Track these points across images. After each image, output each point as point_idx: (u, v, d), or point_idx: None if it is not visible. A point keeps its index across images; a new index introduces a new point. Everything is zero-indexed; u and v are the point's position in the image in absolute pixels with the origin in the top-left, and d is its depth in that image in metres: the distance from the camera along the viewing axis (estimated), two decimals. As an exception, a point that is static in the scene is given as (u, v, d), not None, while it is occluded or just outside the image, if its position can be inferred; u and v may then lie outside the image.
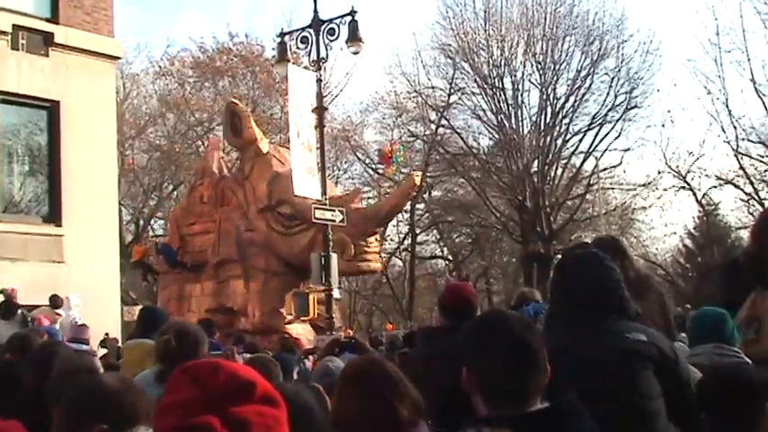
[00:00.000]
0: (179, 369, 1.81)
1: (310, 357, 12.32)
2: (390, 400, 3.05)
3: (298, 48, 19.91)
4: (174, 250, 21.96)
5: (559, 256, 5.77)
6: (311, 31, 18.61)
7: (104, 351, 14.08)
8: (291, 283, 20.71)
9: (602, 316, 3.74)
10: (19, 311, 13.48)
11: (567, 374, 3.57)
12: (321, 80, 19.30)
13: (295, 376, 10.28)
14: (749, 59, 31.99)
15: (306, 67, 20.17)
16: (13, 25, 16.52)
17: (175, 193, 42.32)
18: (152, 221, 43.43)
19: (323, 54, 18.69)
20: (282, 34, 19.68)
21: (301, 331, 19.84)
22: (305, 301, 18.64)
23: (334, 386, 5.15)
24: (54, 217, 16.99)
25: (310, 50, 18.79)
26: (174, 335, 4.83)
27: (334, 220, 17.83)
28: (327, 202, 18.06)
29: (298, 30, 19.53)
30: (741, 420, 3.43)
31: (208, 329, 11.42)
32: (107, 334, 15.12)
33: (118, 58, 19.53)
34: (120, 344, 14.06)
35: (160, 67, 41.36)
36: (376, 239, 21.43)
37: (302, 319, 19.25)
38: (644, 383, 3.62)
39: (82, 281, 16.04)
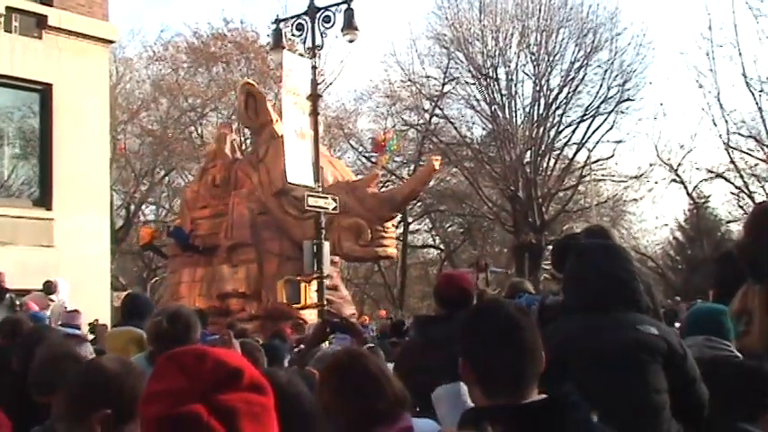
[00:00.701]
0: (164, 356, 1.79)
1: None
2: (368, 396, 3.04)
3: (293, 35, 19.83)
4: (185, 233, 21.59)
5: (554, 245, 5.70)
6: (307, 18, 18.55)
7: (92, 337, 14.04)
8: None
9: (614, 307, 3.76)
10: (7, 296, 13.43)
11: (579, 363, 3.59)
12: (316, 67, 19.25)
13: (286, 364, 10.27)
14: (741, 54, 32.07)
15: (301, 55, 20.12)
16: (7, 7, 16.43)
17: (167, 178, 42.28)
18: (143, 207, 43.37)
19: (318, 41, 18.63)
20: (278, 21, 19.61)
21: (315, 317, 19.72)
22: (296, 288, 18.57)
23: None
24: (45, 201, 16.92)
25: (305, 38, 18.73)
26: (166, 317, 4.80)
27: (327, 208, 17.80)
28: (321, 189, 18.01)
29: (293, 17, 19.45)
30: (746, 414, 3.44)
31: (200, 320, 11.42)
32: (96, 320, 15.09)
33: (112, 42, 19.43)
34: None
35: (154, 51, 41.32)
36: (393, 225, 21.18)
37: (295, 305, 19.08)
38: (652, 376, 3.65)
39: (72, 265, 15.99)
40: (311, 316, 18.97)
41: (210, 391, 1.69)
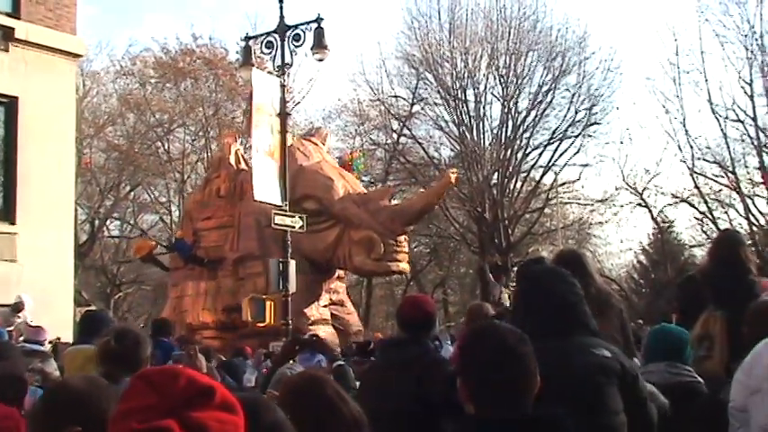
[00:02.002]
0: (136, 375, 1.80)
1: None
2: (325, 421, 3.05)
3: (262, 52, 19.76)
4: (188, 245, 21.02)
5: (517, 270, 5.69)
6: (276, 36, 18.53)
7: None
8: (316, 282, 20.01)
9: (567, 331, 3.79)
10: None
11: (544, 389, 3.61)
12: (285, 86, 19.24)
13: (253, 382, 10.21)
14: (707, 80, 32.62)
15: (270, 72, 20.07)
16: (-27, 20, 16.31)
17: (133, 193, 41.98)
18: (108, 222, 43.00)
19: (287, 60, 18.62)
20: (247, 38, 19.58)
21: (323, 334, 19.42)
22: (261, 306, 18.36)
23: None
24: (8, 215, 16.73)
25: (275, 55, 18.70)
26: (113, 336, 4.75)
27: (294, 227, 17.71)
28: (287, 207, 17.93)
29: (263, 34, 19.44)
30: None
31: (164, 329, 11.35)
32: (58, 338, 14.91)
33: (79, 55, 19.30)
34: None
35: (121, 66, 41.06)
36: (405, 239, 20.64)
37: (259, 323, 18.83)
38: (610, 398, 3.69)
39: (35, 280, 15.81)
40: (321, 332, 18.71)
41: (182, 407, 1.70)
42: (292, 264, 17.65)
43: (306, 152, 20.64)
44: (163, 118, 40.07)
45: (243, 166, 22.04)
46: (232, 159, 21.63)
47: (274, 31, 18.64)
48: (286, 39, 18.34)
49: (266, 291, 19.07)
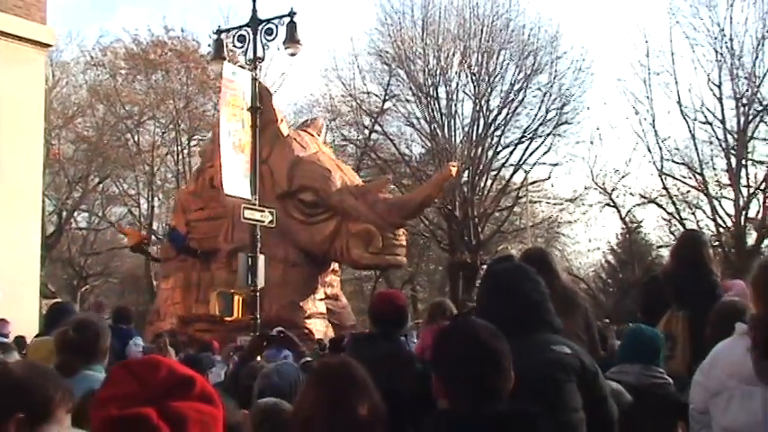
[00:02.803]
0: (118, 365, 1.83)
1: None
2: (353, 403, 3.07)
3: (234, 46, 19.65)
4: (182, 235, 20.54)
5: (486, 268, 5.67)
6: (249, 29, 18.45)
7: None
8: (312, 275, 19.72)
9: (529, 328, 3.81)
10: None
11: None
12: (256, 79, 19.16)
13: (221, 377, 10.16)
14: (677, 82, 32.92)
15: (242, 66, 19.97)
16: (-59, 7, 16.14)
17: (101, 186, 41.70)
18: (75, 214, 42.68)
19: (259, 54, 18.55)
20: (219, 31, 19.49)
21: (320, 327, 19.13)
22: (229, 300, 18.28)
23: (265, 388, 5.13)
24: (-26, 205, 16.58)
25: (247, 49, 18.63)
26: (72, 326, 4.70)
27: (264, 221, 17.64)
28: (257, 202, 17.86)
29: (235, 28, 19.34)
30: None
31: (125, 317, 11.28)
32: (23, 337, 14.75)
33: (49, 45, 19.10)
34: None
35: (92, 56, 40.76)
36: (403, 232, 20.36)
37: (226, 319, 18.71)
38: (569, 395, 3.70)
39: (1, 271, 15.68)
40: (317, 326, 18.49)
41: (162, 397, 1.72)
42: (261, 258, 17.58)
43: (302, 143, 20.26)
44: (133, 110, 39.84)
45: None
46: None
47: (247, 25, 18.56)
48: (258, 32, 18.27)
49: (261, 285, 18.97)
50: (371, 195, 19.32)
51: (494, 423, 2.72)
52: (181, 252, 20.60)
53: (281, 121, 20.22)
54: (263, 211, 17.63)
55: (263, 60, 19.28)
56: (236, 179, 17.86)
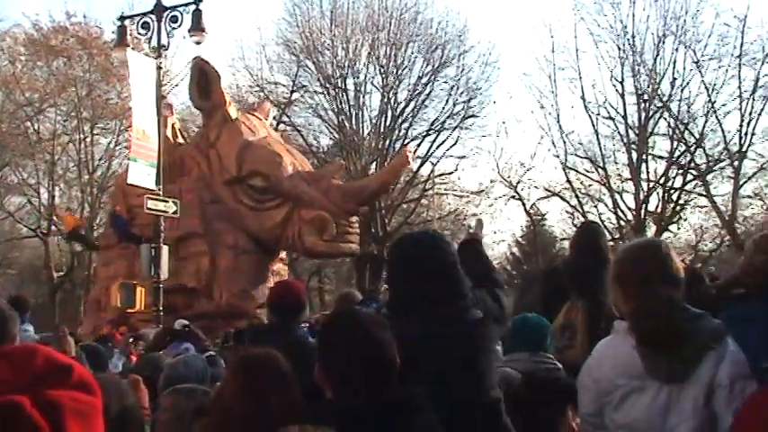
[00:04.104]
0: None
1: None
2: (273, 394, 3.05)
3: (138, 33, 19.35)
4: (126, 221, 19.52)
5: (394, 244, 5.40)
6: (153, 16, 18.19)
7: None
8: (263, 263, 19.20)
9: (447, 304, 3.78)
10: None
11: (420, 362, 3.68)
12: (161, 68, 18.88)
13: (119, 368, 10.02)
14: (581, 78, 33.56)
15: (146, 54, 19.66)
16: None
17: None
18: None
19: (164, 41, 18.30)
20: (123, 18, 19.17)
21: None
22: (131, 292, 17.93)
23: (155, 379, 5.08)
24: None
25: (151, 37, 18.37)
26: None
27: (167, 212, 17.40)
28: (161, 192, 17.59)
29: (139, 14, 19.05)
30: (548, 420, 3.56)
31: (21, 305, 11.00)
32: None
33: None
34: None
35: (-11, 42, 39.61)
36: (357, 220, 19.77)
37: (129, 310, 18.25)
38: (487, 371, 3.75)
39: None
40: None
41: (37, 385, 1.67)
42: (165, 249, 17.35)
43: (252, 127, 19.61)
44: (33, 97, 38.81)
45: (180, 140, 21.02)
46: (169, 133, 20.26)
47: (151, 12, 18.30)
48: (163, 20, 18.03)
49: (211, 271, 18.50)
50: (325, 181, 18.86)
51: (377, 413, 2.71)
52: (124, 239, 19.75)
53: (230, 104, 19.62)
54: (167, 202, 17.40)
55: (167, 48, 19.02)
56: (141, 168, 17.57)
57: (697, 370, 3.23)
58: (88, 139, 39.22)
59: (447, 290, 3.76)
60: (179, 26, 18.07)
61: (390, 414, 2.74)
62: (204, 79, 19.33)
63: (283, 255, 20.71)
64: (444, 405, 3.46)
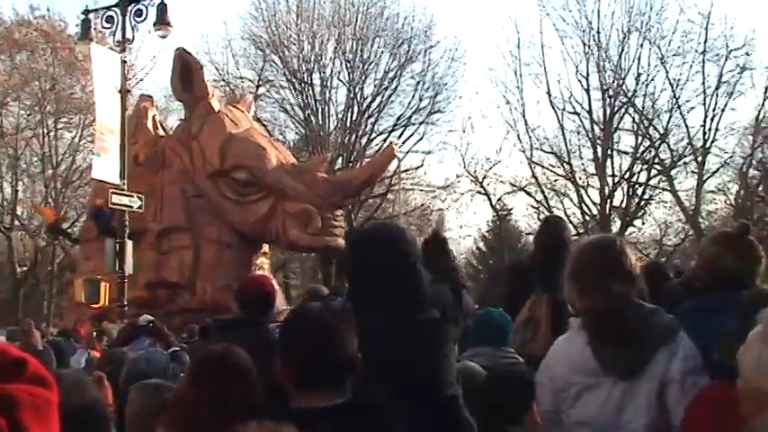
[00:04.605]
0: None
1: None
2: (231, 393, 3.06)
3: (103, 27, 19.20)
4: (108, 214, 18.66)
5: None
6: (117, 10, 18.06)
7: None
8: (246, 257, 18.93)
9: (398, 298, 3.80)
10: None
11: (379, 358, 3.70)
12: (126, 62, 18.75)
13: (83, 364, 9.96)
14: (546, 73, 33.73)
15: (110, 48, 19.50)
16: None
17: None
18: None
19: (129, 35, 18.18)
20: (87, 11, 18.99)
21: None
22: (96, 287, 17.74)
23: (118, 374, 5.06)
24: None
25: (115, 31, 18.24)
26: None
27: (132, 206, 17.29)
28: (125, 186, 17.47)
29: (104, 8, 18.88)
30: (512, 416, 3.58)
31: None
32: None
33: None
34: None
35: (-51, 34, 39.08)
36: (342, 213, 19.56)
37: (93, 305, 18.03)
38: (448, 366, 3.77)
39: None
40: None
41: None
42: (129, 244, 17.24)
43: (234, 119, 19.29)
44: (-5, 91, 38.39)
45: (161, 132, 20.65)
46: (149, 125, 20.05)
47: (116, 5, 18.17)
48: (128, 14, 17.92)
49: (194, 265, 18.22)
50: (309, 175, 18.57)
51: (336, 415, 2.70)
52: (105, 233, 18.95)
53: (212, 95, 19.34)
54: (132, 197, 17.29)
55: (132, 42, 18.89)
56: (105, 162, 17.46)
57: (650, 366, 3.28)
58: (52, 134, 38.85)
59: (402, 287, 3.73)
60: (144, 20, 17.98)
61: (350, 413, 2.74)
62: (186, 71, 19.02)
63: (266, 248, 20.51)
64: (400, 402, 3.51)
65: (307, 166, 19.89)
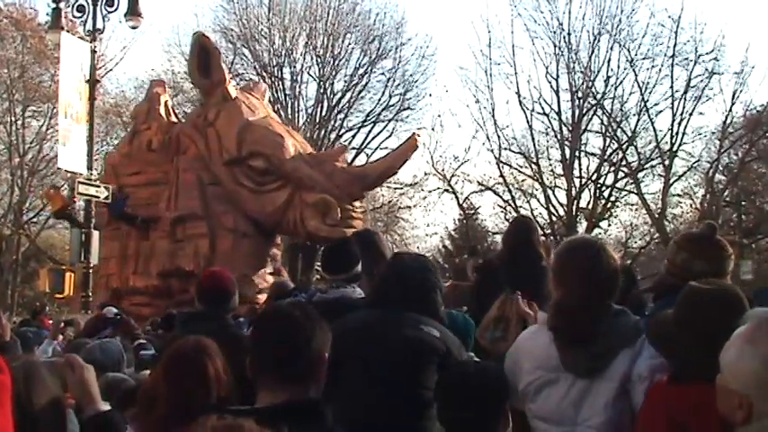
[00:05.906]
0: None
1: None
2: (194, 386, 3.07)
3: (74, 16, 19.07)
4: (122, 200, 18.37)
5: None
6: (89, 0, 17.97)
7: None
8: (261, 246, 18.50)
9: (405, 306, 3.98)
10: None
11: (362, 357, 3.76)
12: (96, 52, 18.63)
13: (50, 353, 9.90)
14: (516, 73, 33.82)
15: (81, 38, 19.34)
16: None
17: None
18: None
19: (99, 25, 18.07)
20: (58, 0, 18.85)
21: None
22: (60, 277, 17.65)
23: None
24: None
25: (86, 20, 18.13)
26: None
27: (99, 197, 17.18)
28: (93, 177, 17.35)
29: (75, -3, 18.77)
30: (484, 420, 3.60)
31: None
32: None
33: None
34: None
35: None
36: (361, 204, 19.01)
37: (58, 295, 17.93)
38: (424, 373, 3.82)
39: None
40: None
41: None
42: (95, 234, 17.12)
43: (251, 106, 18.71)
44: (-37, 79, 37.99)
45: (173, 118, 20.07)
46: (162, 111, 19.33)
47: (87, -5, 18.07)
48: (99, 3, 17.83)
49: (210, 254, 17.69)
50: (328, 164, 18.16)
51: (278, 413, 2.69)
52: (118, 219, 18.52)
53: (229, 81, 18.75)
54: (99, 187, 17.18)
55: (102, 32, 18.78)
56: (72, 152, 17.35)
57: (611, 365, 3.33)
58: (20, 122, 38.48)
59: (415, 301, 4.01)
60: (115, 10, 17.94)
61: (305, 413, 2.75)
62: (204, 55, 18.34)
63: (279, 239, 20.29)
64: (375, 404, 3.56)
65: (325, 155, 19.68)
